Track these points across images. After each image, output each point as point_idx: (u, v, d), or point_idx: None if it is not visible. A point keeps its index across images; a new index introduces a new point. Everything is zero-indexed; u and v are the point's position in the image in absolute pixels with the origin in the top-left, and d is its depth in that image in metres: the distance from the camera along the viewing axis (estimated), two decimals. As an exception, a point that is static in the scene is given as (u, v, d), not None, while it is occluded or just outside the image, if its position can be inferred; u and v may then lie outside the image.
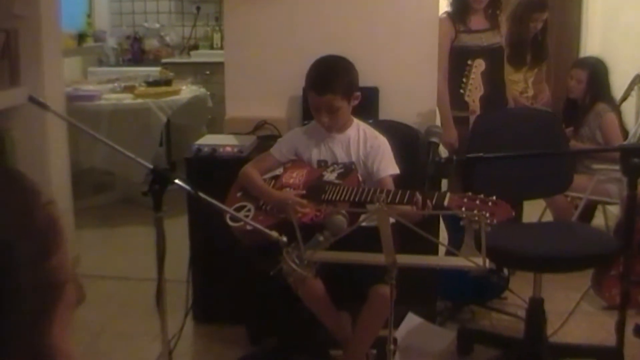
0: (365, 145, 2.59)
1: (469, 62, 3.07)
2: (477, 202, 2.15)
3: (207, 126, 5.03)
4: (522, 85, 3.92)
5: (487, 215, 2.07)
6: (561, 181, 2.93)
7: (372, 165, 2.56)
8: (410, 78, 3.21)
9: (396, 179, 2.55)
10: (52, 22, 3.56)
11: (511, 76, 3.83)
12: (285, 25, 3.25)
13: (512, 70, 3.85)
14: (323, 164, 2.60)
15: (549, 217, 3.81)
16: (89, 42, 5.60)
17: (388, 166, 2.55)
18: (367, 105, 2.75)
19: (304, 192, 2.51)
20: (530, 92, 3.94)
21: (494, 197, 2.14)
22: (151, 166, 2.00)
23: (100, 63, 5.92)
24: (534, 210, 3.86)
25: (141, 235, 3.96)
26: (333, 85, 2.49)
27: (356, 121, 2.64)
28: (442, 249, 2.71)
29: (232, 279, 2.98)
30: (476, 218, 2.00)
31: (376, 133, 2.63)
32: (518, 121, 3.15)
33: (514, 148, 2.78)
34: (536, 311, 2.65)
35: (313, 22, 3.23)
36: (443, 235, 3.12)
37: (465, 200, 2.17)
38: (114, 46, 6.02)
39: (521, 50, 3.88)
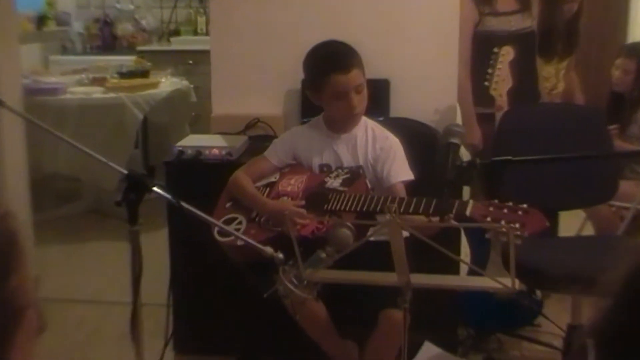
0: (375, 147, 2.61)
1: (495, 49, 3.09)
2: (505, 211, 2.16)
3: (191, 125, 5.05)
4: (553, 81, 3.91)
5: (517, 227, 2.08)
6: (605, 188, 2.95)
7: (382, 170, 2.58)
8: (426, 68, 3.23)
9: (410, 185, 2.57)
10: (6, 1, 3.57)
11: (541, 70, 3.80)
12: (282, 8, 3.27)
13: (542, 62, 3.82)
14: (326, 169, 2.63)
15: (590, 230, 3.83)
16: (51, 26, 5.63)
17: (400, 171, 2.58)
18: (376, 100, 2.77)
19: (304, 201, 2.53)
20: (561, 87, 3.93)
21: (525, 206, 2.16)
22: (125, 171, 2.01)
23: (64, 51, 5.95)
24: (572, 222, 3.87)
25: (113, 252, 3.98)
26: (355, 59, 2.55)
27: (364, 119, 2.67)
28: (464, 268, 2.73)
29: (219, 303, 2.99)
30: (504, 230, 2.02)
31: (387, 133, 2.65)
32: (553, 118, 3.17)
33: (549, 149, 2.80)
34: (575, 340, 2.66)
35: (313, 4, 3.25)
36: (465, 251, 3.13)
37: (491, 209, 2.19)
38: (80, 31, 6.05)
39: (553, 38, 3.84)
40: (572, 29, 3.90)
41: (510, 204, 2.18)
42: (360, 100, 2.56)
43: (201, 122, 4.69)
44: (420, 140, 2.86)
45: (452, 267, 2.57)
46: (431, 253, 1.82)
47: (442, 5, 3.20)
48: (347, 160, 2.62)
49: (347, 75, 2.52)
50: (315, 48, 2.64)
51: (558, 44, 3.87)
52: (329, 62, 2.56)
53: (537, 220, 2.11)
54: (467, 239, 3.18)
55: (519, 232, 2.05)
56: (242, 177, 2.64)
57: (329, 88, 2.53)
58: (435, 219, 2.25)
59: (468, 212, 2.22)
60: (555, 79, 3.90)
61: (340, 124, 2.64)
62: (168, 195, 2.03)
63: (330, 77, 2.52)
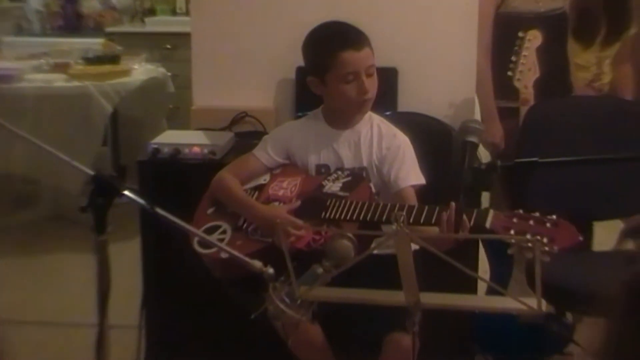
0: (380, 146, 2.63)
1: (521, 34, 3.10)
2: (531, 223, 2.18)
3: (168, 119, 5.07)
4: (594, 71, 3.83)
5: (545, 240, 2.10)
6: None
7: (389, 173, 2.59)
8: (439, 56, 3.25)
9: (421, 191, 2.59)
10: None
11: (577, 58, 3.79)
12: (274, -16, 3.29)
13: (579, 48, 3.78)
14: (324, 170, 2.64)
15: (628, 243, 3.83)
16: (3, 2, 5.64)
17: (410, 174, 2.59)
18: (383, 92, 2.78)
19: (298, 207, 2.54)
20: (607, 79, 3.84)
21: (554, 217, 2.17)
22: (92, 172, 2.02)
23: (20, 31, 5.96)
24: (609, 235, 3.88)
25: (77, 266, 3.98)
26: (366, 38, 2.58)
27: (369, 113, 2.68)
28: (482, 286, 2.74)
29: (199, 325, 3.00)
30: (529, 244, 2.03)
31: (395, 130, 2.67)
32: (587, 113, 3.19)
33: (581, 150, 2.82)
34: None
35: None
36: (484, 267, 3.15)
37: (515, 220, 2.20)
38: (39, 8, 6.06)
39: (592, 19, 3.78)
40: (618, 7, 3.78)
41: (537, 214, 2.19)
42: (372, 85, 2.58)
43: (180, 116, 4.71)
44: (432, 138, 2.88)
45: (469, 285, 2.59)
46: (445, 269, 1.83)
47: (458, -17, 3.22)
48: (349, 161, 2.63)
49: (359, 52, 2.54)
50: (318, 27, 2.66)
51: (600, 26, 3.78)
52: (338, 38, 2.58)
53: (568, 233, 2.12)
54: (487, 253, 3.19)
55: (547, 247, 2.07)
56: (227, 178, 2.64)
57: (338, 69, 2.54)
58: (450, 230, 2.26)
59: (488, 224, 2.23)
60: (596, 68, 3.84)
61: (346, 115, 2.65)
62: (140, 200, 2.04)
63: (339, 55, 2.53)
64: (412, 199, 2.54)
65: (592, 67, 3.83)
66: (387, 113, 2.88)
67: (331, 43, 2.57)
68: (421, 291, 1.92)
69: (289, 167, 2.68)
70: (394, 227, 1.84)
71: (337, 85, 2.56)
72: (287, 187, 2.62)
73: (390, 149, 2.62)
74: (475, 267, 2.92)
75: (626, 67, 3.91)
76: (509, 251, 2.08)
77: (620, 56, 3.89)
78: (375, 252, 2.01)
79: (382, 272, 2.06)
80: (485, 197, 3.14)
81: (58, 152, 2.07)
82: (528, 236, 2.11)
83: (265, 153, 2.69)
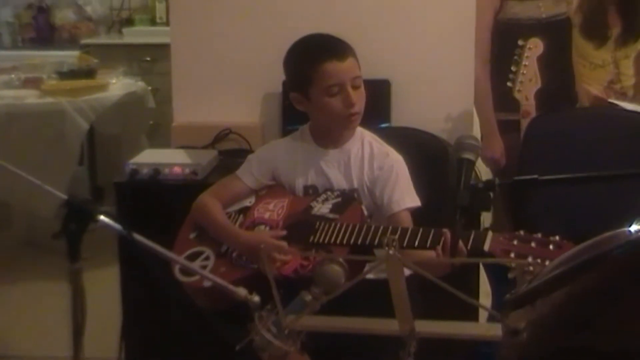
0: (372, 167, 2.64)
1: (521, 42, 3.13)
2: (533, 244, 2.20)
3: (148, 136, 5.08)
4: (611, 70, 3.77)
5: (547, 263, 2.11)
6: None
7: (382, 195, 2.60)
8: (435, 66, 3.27)
9: (416, 211, 2.60)
10: None
11: (591, 57, 3.74)
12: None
13: (591, 47, 3.72)
14: (312, 192, 2.65)
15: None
16: (-31, 14, 5.65)
17: (405, 196, 2.60)
18: (374, 105, 2.80)
19: (285, 232, 2.56)
20: (629, 81, 3.78)
21: (557, 238, 2.19)
22: (65, 196, 2.03)
23: (-11, 44, 5.97)
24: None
25: (50, 295, 3.98)
26: (350, 49, 2.59)
27: (360, 130, 2.69)
28: (483, 312, 2.76)
29: (181, 357, 3.01)
30: (531, 268, 2.04)
31: (387, 148, 2.68)
32: (594, 126, 3.20)
33: (588, 166, 2.82)
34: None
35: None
36: (487, 289, 3.16)
37: (515, 242, 2.22)
38: (9, 19, 6.06)
39: (602, 14, 3.71)
40: (633, 2, 3.73)
41: (539, 235, 2.21)
42: (359, 97, 2.58)
43: (161, 133, 4.72)
44: (427, 155, 2.90)
45: (470, 311, 2.60)
46: (444, 295, 1.83)
47: (455, -11, 3.24)
48: (339, 183, 2.63)
49: (342, 63, 2.55)
50: (298, 41, 2.67)
51: (611, 22, 3.74)
52: (320, 49, 2.59)
53: None
54: (488, 277, 3.21)
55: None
56: (209, 201, 2.66)
57: (321, 81, 2.54)
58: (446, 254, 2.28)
59: (487, 247, 2.25)
60: (613, 67, 3.79)
61: (333, 132, 2.66)
62: (117, 225, 2.05)
63: (321, 67, 2.54)
64: (408, 223, 2.55)
65: (609, 66, 3.79)
66: (380, 126, 2.89)
67: (312, 54, 2.59)
68: (417, 319, 1.94)
69: (275, 188, 2.69)
70: (386, 251, 1.86)
71: (321, 99, 2.56)
72: (274, 209, 2.63)
73: (382, 169, 2.62)
74: (476, 292, 2.94)
75: None
76: (510, 275, 2.09)
77: None
78: (368, 277, 2.02)
79: (376, 298, 2.07)
80: (488, 217, 3.16)
81: (29, 174, 2.08)
82: (530, 259, 2.12)
83: (250, 174, 2.70)
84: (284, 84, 3.13)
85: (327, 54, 2.55)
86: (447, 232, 2.29)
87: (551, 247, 2.18)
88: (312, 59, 2.57)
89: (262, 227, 2.59)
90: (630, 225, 1.22)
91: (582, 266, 1.14)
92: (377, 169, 2.63)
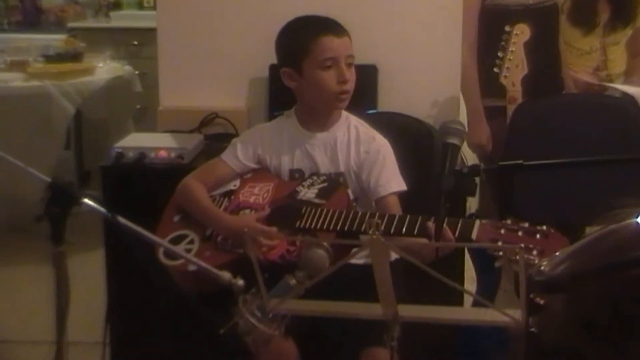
0: (359, 150, 2.64)
1: (507, 28, 3.13)
2: (520, 234, 2.20)
3: (136, 120, 5.07)
4: (598, 57, 3.80)
5: (534, 252, 2.12)
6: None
7: (368, 179, 2.61)
8: (422, 52, 3.26)
9: (402, 196, 2.61)
10: None
11: (578, 43, 3.78)
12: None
13: (578, 33, 3.76)
14: (298, 176, 2.65)
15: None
16: (-47, -5, 5.62)
17: (391, 180, 2.60)
18: (361, 91, 2.80)
19: (271, 215, 2.56)
20: (615, 68, 3.82)
21: (544, 227, 2.20)
22: (48, 179, 2.03)
23: (-27, 27, 5.94)
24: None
25: (35, 279, 3.97)
26: (346, 30, 2.61)
27: (345, 114, 2.69)
28: (468, 298, 2.76)
29: (166, 340, 3.00)
30: (517, 257, 2.05)
31: (374, 133, 2.68)
32: (580, 112, 3.21)
33: (574, 152, 2.84)
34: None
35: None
36: (472, 275, 3.17)
37: (503, 231, 2.22)
38: (-5, 2, 6.04)
39: (592, 1, 3.72)
40: None
41: (527, 224, 2.21)
42: (352, 75, 2.59)
43: (149, 117, 4.69)
44: (413, 140, 2.90)
45: (455, 297, 2.60)
46: (430, 280, 1.83)
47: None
48: (325, 166, 2.63)
49: (339, 38, 2.57)
50: (295, 18, 2.68)
51: (599, 8, 3.76)
52: (318, 24, 2.61)
53: (559, 244, 2.14)
54: (473, 263, 3.21)
55: (536, 260, 2.09)
56: (193, 184, 2.65)
57: (316, 53, 2.55)
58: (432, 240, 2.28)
59: (474, 235, 2.25)
60: (600, 54, 3.81)
61: (321, 113, 2.65)
62: (101, 208, 2.05)
63: (318, 39, 2.56)
64: (396, 207, 2.56)
65: (596, 53, 3.80)
66: (368, 112, 2.89)
67: (311, 28, 2.60)
68: (402, 303, 1.93)
69: (261, 172, 2.68)
70: (370, 236, 1.85)
71: (315, 72, 2.56)
72: (259, 193, 2.62)
73: (369, 153, 2.63)
74: (461, 277, 2.94)
75: None
76: (497, 264, 2.10)
77: (634, 47, 3.86)
78: (356, 262, 2.03)
79: (361, 283, 2.07)
80: (474, 203, 3.16)
81: (15, 157, 2.08)
82: (517, 247, 2.13)
83: (234, 158, 2.69)
84: (271, 68, 3.13)
85: (325, 29, 2.58)
86: (429, 224, 2.30)
87: (538, 236, 2.19)
88: (310, 31, 2.59)
89: (247, 211, 2.59)
90: (637, 216, 1.21)
91: (612, 268, 1.13)
92: (363, 153, 2.63)
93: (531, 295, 1.15)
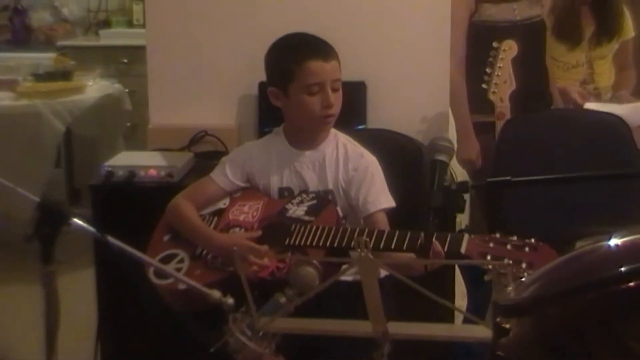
0: (347, 168, 2.64)
1: (495, 44, 3.15)
2: (508, 247, 2.21)
3: (126, 138, 5.07)
4: (585, 70, 3.85)
5: (523, 266, 2.13)
6: (634, 215, 2.98)
7: (357, 196, 2.61)
8: (410, 68, 3.28)
9: (391, 213, 2.61)
10: None
11: (564, 57, 3.83)
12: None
13: (564, 48, 3.81)
14: (287, 194, 2.65)
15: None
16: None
17: (380, 197, 2.61)
18: (349, 107, 2.80)
19: (260, 233, 2.56)
20: (603, 82, 3.86)
21: (533, 240, 2.21)
22: (37, 199, 2.02)
23: (-37, 46, 5.94)
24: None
25: (24, 299, 3.95)
26: (334, 51, 2.61)
27: (334, 132, 2.70)
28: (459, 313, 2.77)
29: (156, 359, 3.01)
30: (505, 271, 2.05)
31: (362, 150, 2.69)
32: (569, 128, 3.22)
33: (561, 167, 2.84)
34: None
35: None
36: (463, 290, 3.17)
37: (491, 244, 2.23)
38: (-16, 21, 6.04)
39: (574, 16, 3.77)
40: (607, 3, 3.77)
41: (515, 238, 2.22)
42: (337, 100, 2.59)
43: (139, 135, 4.70)
44: (401, 157, 2.90)
45: (446, 313, 2.60)
46: (420, 296, 1.83)
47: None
48: (314, 184, 2.64)
49: (326, 63, 2.56)
50: (284, 36, 2.68)
51: (584, 23, 3.79)
52: (306, 46, 2.60)
53: (547, 257, 2.14)
54: (463, 278, 3.22)
55: (525, 273, 2.09)
56: (183, 204, 2.65)
57: (303, 78, 2.55)
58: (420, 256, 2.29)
59: (463, 249, 2.26)
60: (587, 67, 3.85)
61: (308, 133, 2.66)
62: (90, 228, 2.05)
63: (305, 64, 2.55)
64: (384, 224, 2.57)
65: (582, 67, 3.84)
66: (356, 128, 2.90)
67: (298, 51, 2.59)
68: (392, 320, 1.94)
69: (250, 190, 2.69)
70: (359, 252, 1.86)
71: (300, 96, 2.57)
72: (249, 211, 2.63)
73: (357, 170, 2.63)
74: (452, 292, 2.94)
75: (631, 72, 3.93)
76: (486, 277, 2.10)
77: (622, 60, 3.88)
78: (346, 279, 2.03)
79: (350, 300, 2.07)
80: (465, 219, 3.16)
81: (5, 176, 2.08)
82: (506, 262, 2.14)
83: (224, 176, 2.69)
84: (260, 85, 3.14)
85: (312, 53, 2.57)
86: (422, 235, 2.30)
87: (527, 249, 2.20)
88: (297, 55, 2.58)
89: (237, 229, 2.59)
90: (609, 239, 1.22)
91: (573, 291, 1.14)
92: (351, 170, 2.64)
93: (497, 320, 1.17)
